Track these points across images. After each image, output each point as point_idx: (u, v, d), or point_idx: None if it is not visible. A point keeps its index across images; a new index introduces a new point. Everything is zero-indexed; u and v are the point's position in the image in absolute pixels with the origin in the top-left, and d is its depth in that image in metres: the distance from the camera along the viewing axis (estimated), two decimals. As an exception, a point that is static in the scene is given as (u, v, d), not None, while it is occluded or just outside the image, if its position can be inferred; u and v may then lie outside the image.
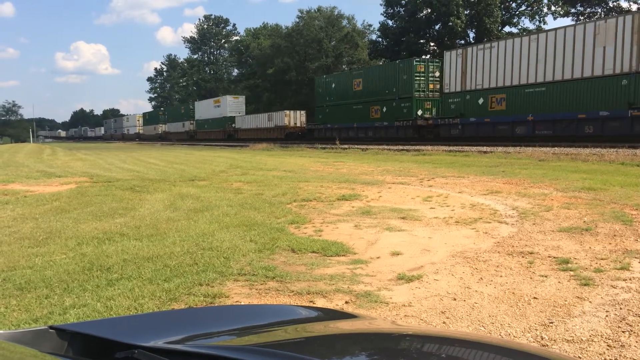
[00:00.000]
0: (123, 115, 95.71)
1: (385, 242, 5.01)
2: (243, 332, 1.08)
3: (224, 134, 51.87)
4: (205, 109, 57.15)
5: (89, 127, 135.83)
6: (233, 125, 50.31)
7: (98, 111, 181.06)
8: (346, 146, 26.56)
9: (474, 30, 41.77)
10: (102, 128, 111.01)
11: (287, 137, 39.75)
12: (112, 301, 3.24)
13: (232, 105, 52.23)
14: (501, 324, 2.92)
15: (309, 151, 25.82)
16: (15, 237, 5.28)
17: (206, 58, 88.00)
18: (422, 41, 43.62)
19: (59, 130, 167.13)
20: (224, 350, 0.84)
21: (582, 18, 37.56)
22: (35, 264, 4.16)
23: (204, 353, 0.82)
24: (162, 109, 79.56)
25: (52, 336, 0.98)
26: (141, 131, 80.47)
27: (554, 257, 4.25)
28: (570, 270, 3.87)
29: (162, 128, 70.60)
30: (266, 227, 5.66)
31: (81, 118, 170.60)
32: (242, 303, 3.23)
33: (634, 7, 35.79)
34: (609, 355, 2.50)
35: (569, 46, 19.37)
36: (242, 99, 54.27)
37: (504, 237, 5.07)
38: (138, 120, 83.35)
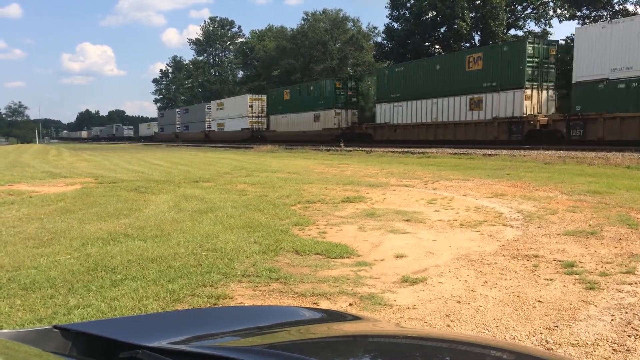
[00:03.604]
0: (203, 103, 59.57)
1: (390, 244, 5.00)
2: (246, 333, 1.08)
3: None
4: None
5: (124, 125, 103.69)
6: None
7: (103, 112, 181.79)
8: (350, 148, 26.55)
9: (479, 33, 41.71)
10: (156, 124, 76.36)
11: None
12: (116, 302, 3.25)
13: None
14: (506, 327, 2.91)
15: (313, 153, 25.82)
16: (20, 237, 5.30)
17: (211, 60, 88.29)
18: (427, 43, 43.56)
19: (63, 131, 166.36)
20: (228, 351, 0.84)
21: (587, 21, 37.35)
22: (40, 264, 4.17)
23: (207, 354, 0.82)
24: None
25: (56, 336, 0.98)
26: (261, 126, 43.16)
27: (559, 261, 4.23)
28: (576, 274, 3.85)
29: (327, 117, 33.58)
30: (270, 228, 5.66)
31: (87, 119, 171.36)
32: (246, 304, 3.23)
33: (640, 10, 35.58)
34: (614, 360, 2.49)
35: None
36: None
37: (509, 240, 5.05)
38: (250, 106, 43.50)
